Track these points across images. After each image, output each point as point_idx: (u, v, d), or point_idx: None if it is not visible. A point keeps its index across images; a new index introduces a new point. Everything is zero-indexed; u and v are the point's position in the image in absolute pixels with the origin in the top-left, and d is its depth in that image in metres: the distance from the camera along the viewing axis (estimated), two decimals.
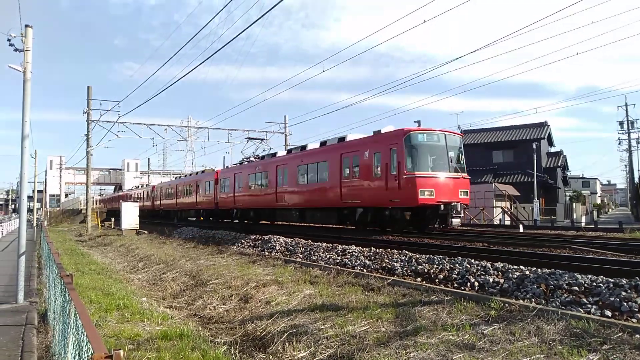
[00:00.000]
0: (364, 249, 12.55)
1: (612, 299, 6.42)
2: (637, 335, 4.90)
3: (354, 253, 12.34)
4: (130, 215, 29.32)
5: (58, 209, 66.82)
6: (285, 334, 6.35)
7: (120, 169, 75.21)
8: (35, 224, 40.03)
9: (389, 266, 10.55)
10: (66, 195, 74.27)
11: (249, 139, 33.73)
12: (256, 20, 11.54)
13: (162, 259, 14.96)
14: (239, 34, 11.87)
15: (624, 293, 6.49)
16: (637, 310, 6.00)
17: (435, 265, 9.89)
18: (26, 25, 10.16)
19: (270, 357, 5.91)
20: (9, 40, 10.06)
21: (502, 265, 8.93)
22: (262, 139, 34.05)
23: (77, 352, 3.21)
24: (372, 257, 11.58)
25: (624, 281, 6.94)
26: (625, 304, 6.20)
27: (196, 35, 36.96)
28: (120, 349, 1.81)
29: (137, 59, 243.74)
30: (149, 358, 5.19)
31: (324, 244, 14.21)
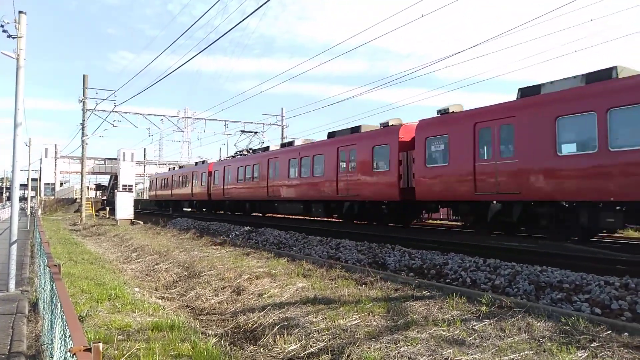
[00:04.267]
0: (358, 243, 12.56)
1: (602, 296, 6.45)
2: (626, 334, 4.91)
3: (347, 247, 12.36)
4: (125, 205, 29.26)
5: (53, 197, 66.55)
6: (277, 327, 6.35)
7: (116, 159, 74.89)
8: (29, 213, 39.88)
9: (382, 260, 10.57)
10: (61, 184, 73.94)
11: None
12: (252, 12, 11.43)
13: (155, 250, 14.92)
14: (236, 26, 11.78)
15: (614, 291, 6.53)
16: (626, 308, 6.04)
17: (428, 261, 9.91)
18: (20, 12, 10.05)
19: (261, 349, 5.90)
20: (2, 26, 9.95)
21: (494, 261, 8.97)
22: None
23: (62, 342, 3.19)
24: (366, 252, 11.60)
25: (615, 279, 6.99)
26: (615, 302, 6.23)
27: (192, 27, 36.64)
28: (100, 342, 1.79)
29: (131, 49, 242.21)
30: (138, 349, 5.17)
31: (318, 237, 14.23)
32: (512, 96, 12.71)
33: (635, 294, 6.29)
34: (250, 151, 28.05)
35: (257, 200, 24.63)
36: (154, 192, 43.77)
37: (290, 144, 22.84)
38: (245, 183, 25.63)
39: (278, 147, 23.76)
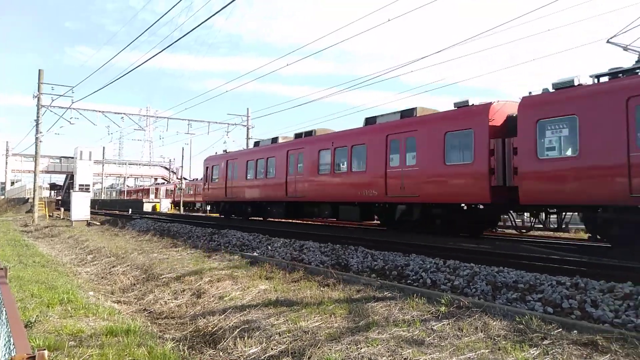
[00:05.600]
0: (321, 244, 12.58)
1: (554, 295, 6.71)
2: (575, 331, 5.13)
3: (311, 248, 12.35)
4: (81, 205, 28.15)
5: (3, 197, 63.33)
6: (237, 330, 6.25)
7: (72, 157, 72.06)
8: None
9: (345, 262, 10.62)
10: (12, 183, 70.46)
11: None
12: (219, 11, 11.29)
13: (113, 252, 14.43)
14: (201, 24, 11.57)
15: (565, 290, 6.81)
16: (576, 307, 6.30)
17: (390, 262, 10.03)
18: None
19: (220, 353, 5.80)
20: None
21: (454, 262, 9.17)
22: None
23: (7, 349, 3.03)
24: (329, 253, 11.63)
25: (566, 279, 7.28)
26: (566, 301, 6.50)
27: (155, 24, 35.60)
28: (44, 349, 1.69)
29: (90, 44, 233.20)
30: (90, 355, 4.97)
31: (282, 239, 14.15)
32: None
33: (584, 293, 6.57)
34: None
35: None
36: (223, 186, 25.38)
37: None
38: None
39: None
